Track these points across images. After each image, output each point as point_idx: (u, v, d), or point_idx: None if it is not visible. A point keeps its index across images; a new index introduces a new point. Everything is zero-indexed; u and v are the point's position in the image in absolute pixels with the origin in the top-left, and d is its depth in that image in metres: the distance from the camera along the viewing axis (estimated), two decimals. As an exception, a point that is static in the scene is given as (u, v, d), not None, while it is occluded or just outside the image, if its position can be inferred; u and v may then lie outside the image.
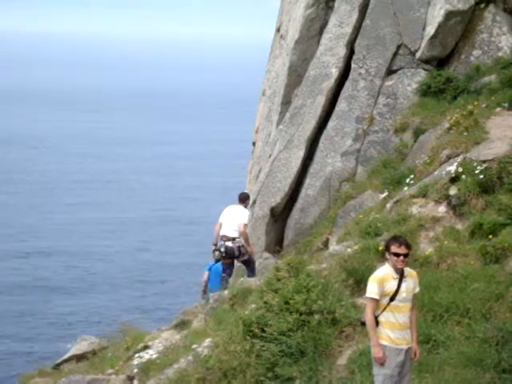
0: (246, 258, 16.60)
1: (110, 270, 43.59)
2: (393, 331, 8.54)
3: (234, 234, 16.44)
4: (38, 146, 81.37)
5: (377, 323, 8.57)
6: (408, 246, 8.66)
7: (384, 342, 8.54)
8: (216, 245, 16.67)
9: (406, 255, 8.59)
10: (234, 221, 16.53)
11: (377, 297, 8.53)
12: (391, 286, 8.57)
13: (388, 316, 8.55)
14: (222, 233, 16.59)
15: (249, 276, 16.14)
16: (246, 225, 16.66)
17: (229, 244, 16.40)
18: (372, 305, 8.56)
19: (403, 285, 8.59)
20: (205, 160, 76.03)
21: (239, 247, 16.41)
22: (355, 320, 10.82)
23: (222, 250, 16.48)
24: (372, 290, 8.57)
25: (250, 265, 16.83)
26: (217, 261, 16.84)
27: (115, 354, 15.62)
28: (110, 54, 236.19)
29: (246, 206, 17.16)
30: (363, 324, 8.85)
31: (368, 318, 8.57)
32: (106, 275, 42.69)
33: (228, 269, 16.73)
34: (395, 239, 8.72)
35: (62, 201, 58.50)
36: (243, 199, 17.15)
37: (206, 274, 17.59)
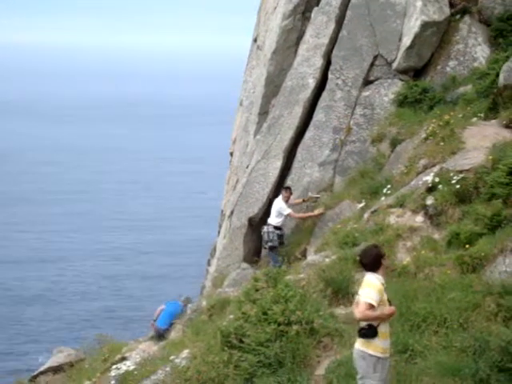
0: (270, 244, 18.07)
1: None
2: (385, 341, 8.43)
3: (271, 222, 18.18)
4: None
5: (376, 334, 8.37)
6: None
7: (379, 354, 8.35)
8: None
9: None
10: (272, 210, 18.32)
11: (375, 304, 8.22)
12: (385, 295, 8.40)
13: (385, 327, 8.39)
14: None
15: (273, 266, 16.46)
16: (288, 214, 18.16)
17: (263, 228, 18.27)
18: (367, 308, 8.17)
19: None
20: (179, 168, 75.68)
21: (268, 233, 18.08)
22: (333, 330, 10.82)
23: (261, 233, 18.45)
24: (372, 296, 8.22)
25: (272, 250, 18.08)
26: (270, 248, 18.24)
27: (92, 365, 15.55)
28: (79, 63, 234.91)
29: (284, 198, 18.26)
30: (362, 333, 8.43)
31: (364, 312, 8.17)
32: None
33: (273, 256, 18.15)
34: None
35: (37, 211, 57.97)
36: (282, 192, 18.57)
37: (159, 309, 17.77)
